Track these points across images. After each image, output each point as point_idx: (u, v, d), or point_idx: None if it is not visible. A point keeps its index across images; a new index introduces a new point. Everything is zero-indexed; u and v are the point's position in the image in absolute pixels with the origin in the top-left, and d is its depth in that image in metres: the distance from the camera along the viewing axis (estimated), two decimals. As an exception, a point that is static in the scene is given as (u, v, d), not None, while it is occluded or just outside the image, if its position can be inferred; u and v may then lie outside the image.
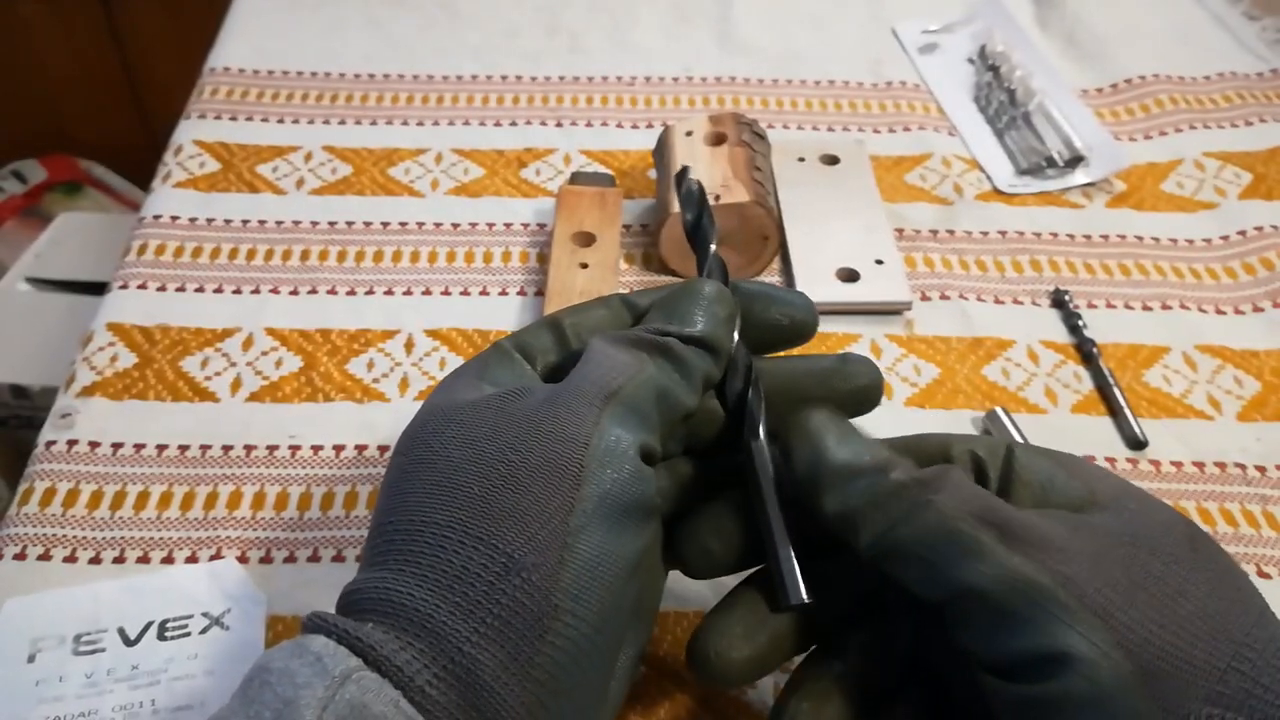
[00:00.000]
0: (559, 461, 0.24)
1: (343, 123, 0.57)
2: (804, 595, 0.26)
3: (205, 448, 0.40)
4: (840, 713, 0.26)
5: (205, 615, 0.35)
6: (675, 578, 0.36)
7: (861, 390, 0.31)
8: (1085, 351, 0.45)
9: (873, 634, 0.28)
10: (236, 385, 0.43)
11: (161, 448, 0.40)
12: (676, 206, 0.46)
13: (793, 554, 0.27)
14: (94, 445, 0.40)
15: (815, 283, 0.47)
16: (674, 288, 0.30)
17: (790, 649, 0.28)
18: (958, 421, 0.42)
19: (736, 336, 0.30)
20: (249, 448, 0.40)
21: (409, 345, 0.45)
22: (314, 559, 0.37)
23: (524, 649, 0.22)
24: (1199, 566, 0.23)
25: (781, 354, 0.32)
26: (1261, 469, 0.41)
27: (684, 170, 0.36)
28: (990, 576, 0.23)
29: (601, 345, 0.28)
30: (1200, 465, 0.41)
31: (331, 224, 0.51)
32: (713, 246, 0.32)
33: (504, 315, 0.46)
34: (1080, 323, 0.46)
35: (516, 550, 0.23)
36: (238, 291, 0.47)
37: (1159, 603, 0.22)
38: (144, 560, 0.37)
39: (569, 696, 0.23)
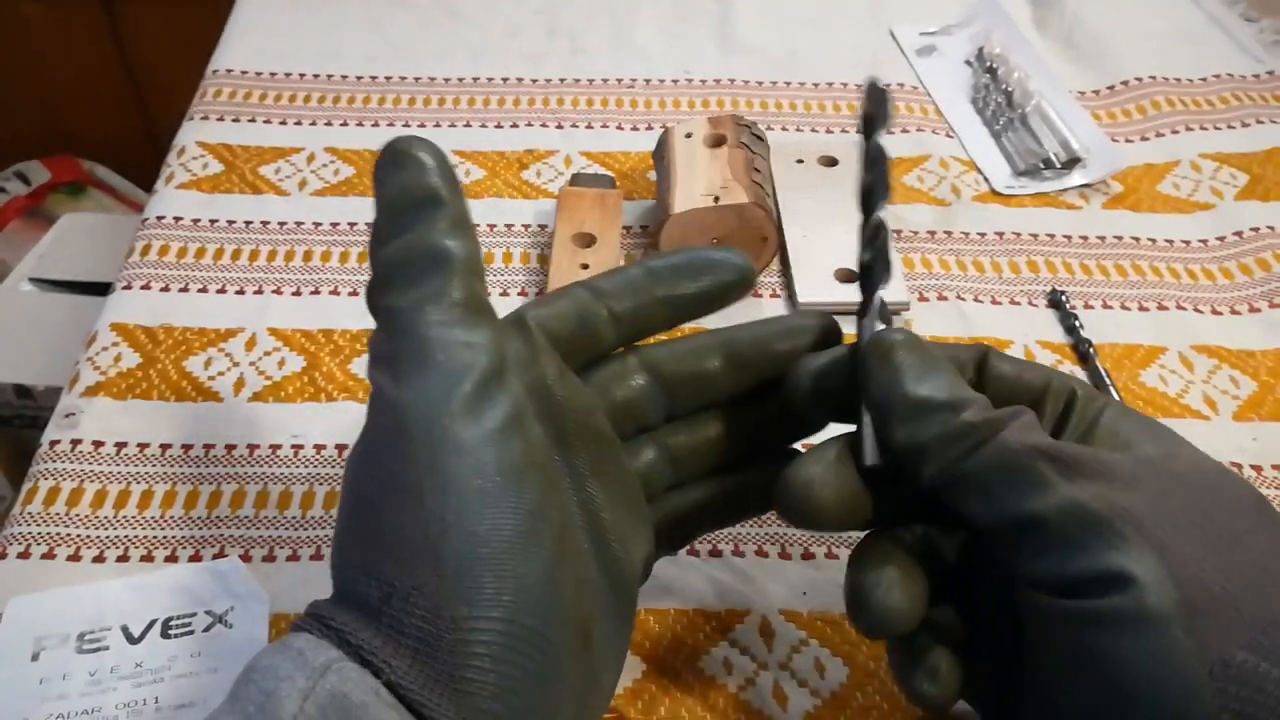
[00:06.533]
0: (397, 461, 0.24)
1: (344, 124, 0.58)
2: (878, 457, 0.27)
3: (209, 447, 0.41)
4: (921, 585, 0.26)
5: (209, 613, 0.35)
6: (673, 576, 0.36)
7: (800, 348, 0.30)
8: (1082, 351, 0.45)
9: (926, 535, 0.28)
10: (240, 385, 0.43)
11: (165, 447, 0.41)
12: (677, 207, 0.46)
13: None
14: (98, 444, 0.40)
15: (814, 283, 0.47)
16: None
17: (867, 514, 0.27)
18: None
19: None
20: (252, 447, 0.41)
21: (410, 345, 0.45)
22: (316, 557, 0.37)
23: (444, 669, 0.22)
24: (1262, 525, 0.24)
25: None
26: (1258, 468, 0.41)
27: (878, 167, 0.31)
28: (1049, 505, 0.23)
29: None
30: (1196, 465, 0.41)
31: (334, 225, 0.51)
32: (880, 292, 0.30)
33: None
34: (1077, 323, 0.46)
35: (390, 575, 0.23)
36: (241, 292, 0.47)
37: (1215, 546, 0.23)
38: (147, 559, 0.37)
39: (520, 699, 0.22)
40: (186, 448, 0.41)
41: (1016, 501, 0.24)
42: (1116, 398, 0.43)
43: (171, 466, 0.40)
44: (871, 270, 0.30)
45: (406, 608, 0.22)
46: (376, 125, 0.58)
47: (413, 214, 0.26)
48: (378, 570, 0.23)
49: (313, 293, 0.47)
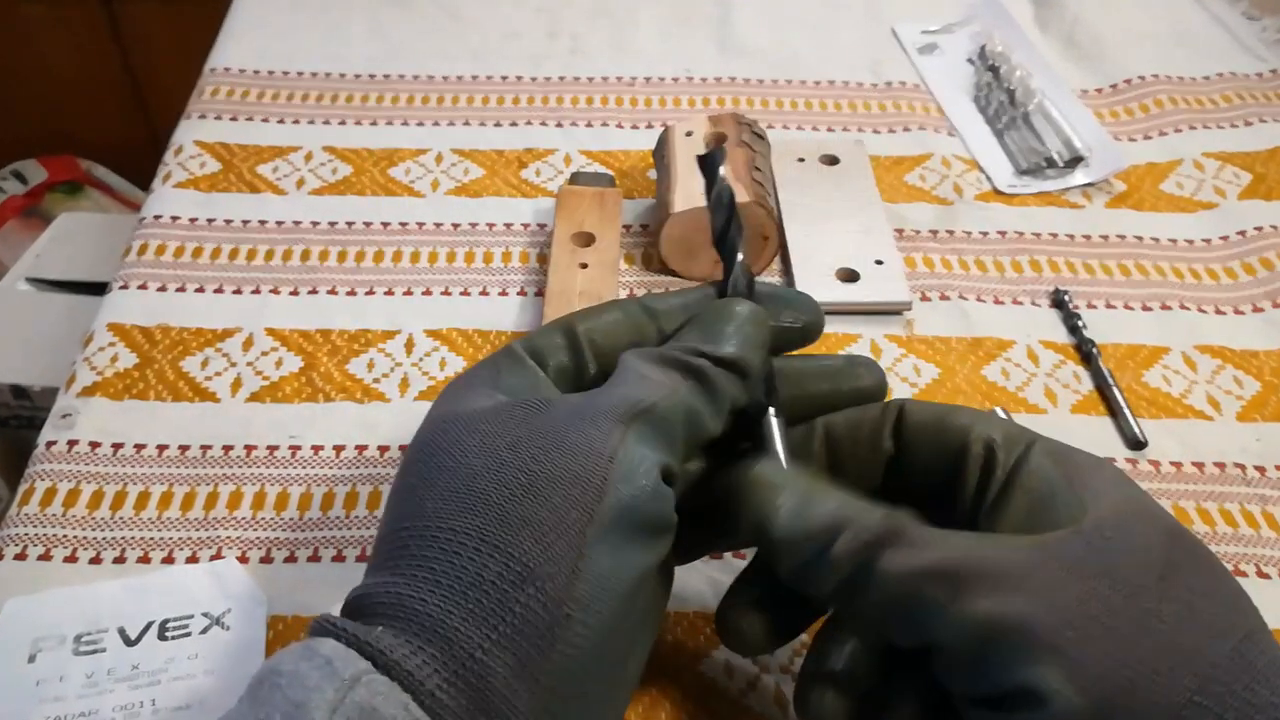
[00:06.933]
0: (581, 474, 0.25)
1: (343, 123, 0.57)
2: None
3: (206, 448, 0.40)
4: (850, 701, 0.27)
5: (205, 615, 0.35)
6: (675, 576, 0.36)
7: (865, 391, 0.31)
8: (1085, 352, 0.45)
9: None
10: (237, 385, 0.43)
11: (162, 448, 0.40)
12: (677, 206, 0.46)
13: None
14: (94, 445, 0.40)
15: (815, 283, 0.47)
16: (710, 306, 0.30)
17: (806, 620, 0.29)
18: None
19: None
20: (249, 448, 0.40)
21: (409, 345, 0.45)
22: (314, 559, 0.37)
23: (534, 656, 0.23)
24: (1168, 597, 0.23)
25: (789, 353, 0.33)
26: (1261, 469, 0.41)
27: (713, 158, 0.34)
28: (943, 633, 0.23)
29: (635, 363, 0.28)
30: (1200, 465, 0.41)
31: (332, 224, 0.51)
32: (740, 255, 0.31)
33: (504, 315, 0.46)
34: (1080, 323, 0.46)
35: (532, 560, 0.23)
36: (238, 292, 0.47)
37: (1118, 635, 0.22)
38: (144, 560, 0.37)
39: (577, 701, 0.24)
40: (183, 448, 0.40)
41: (912, 631, 0.24)
42: (1120, 400, 0.43)
43: (168, 467, 0.40)
44: (726, 235, 0.31)
45: (531, 591, 0.23)
46: (375, 124, 0.57)
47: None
48: (514, 549, 0.23)
49: (310, 292, 0.47)
